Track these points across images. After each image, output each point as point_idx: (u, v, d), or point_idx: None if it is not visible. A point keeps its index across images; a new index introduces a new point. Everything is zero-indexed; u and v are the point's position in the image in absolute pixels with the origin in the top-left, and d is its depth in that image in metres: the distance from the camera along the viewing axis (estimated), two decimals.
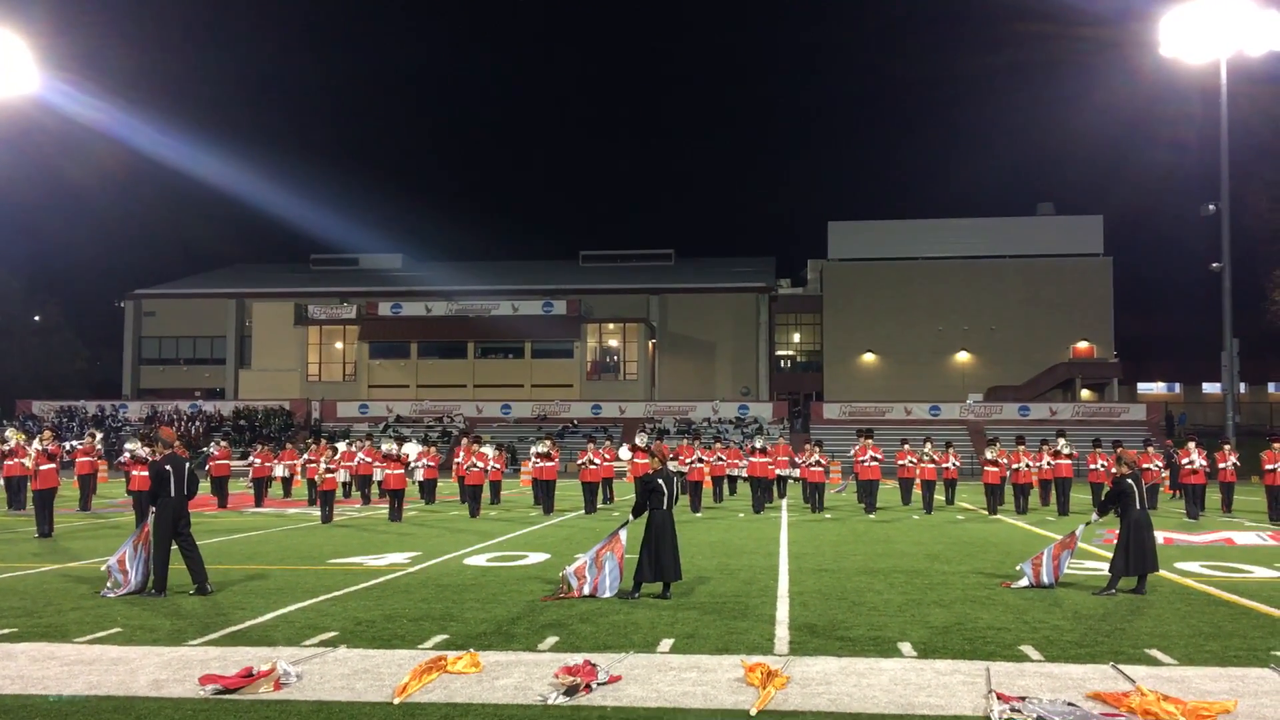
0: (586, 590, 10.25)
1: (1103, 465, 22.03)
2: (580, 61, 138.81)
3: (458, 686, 6.78)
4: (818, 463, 22.61)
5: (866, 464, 22.25)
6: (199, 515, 17.34)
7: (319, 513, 20.12)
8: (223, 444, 25.47)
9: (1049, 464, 22.82)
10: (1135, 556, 10.56)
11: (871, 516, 20.81)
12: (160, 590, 10.42)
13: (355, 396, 58.99)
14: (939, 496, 23.97)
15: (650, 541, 10.27)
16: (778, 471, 24.29)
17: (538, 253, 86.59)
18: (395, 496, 20.57)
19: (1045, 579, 10.98)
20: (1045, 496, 24.03)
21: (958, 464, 24.10)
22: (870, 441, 22.78)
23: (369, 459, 25.23)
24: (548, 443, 22.88)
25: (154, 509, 10.74)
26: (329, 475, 20.10)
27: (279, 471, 27.24)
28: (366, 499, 25.62)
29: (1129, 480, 10.89)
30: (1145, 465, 21.77)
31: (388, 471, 20.92)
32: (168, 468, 10.79)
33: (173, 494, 10.73)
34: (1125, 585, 10.63)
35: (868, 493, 22.15)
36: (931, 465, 22.54)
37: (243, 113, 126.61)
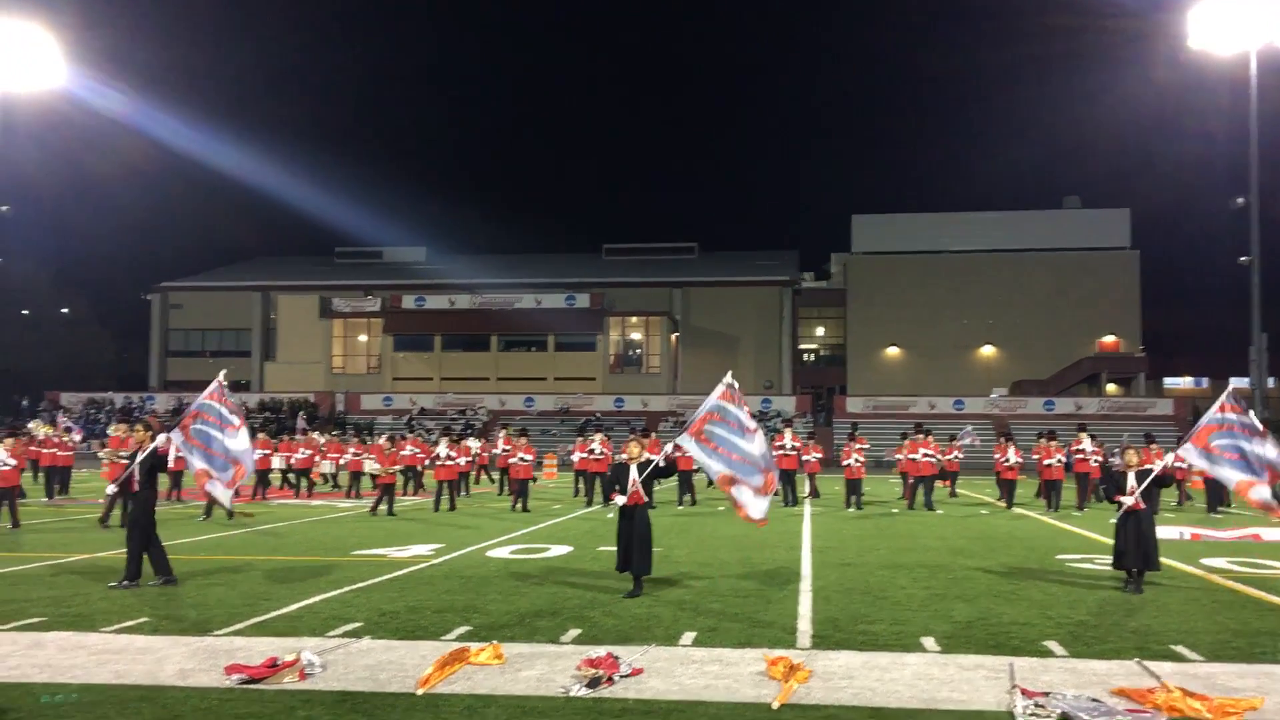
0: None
1: (1094, 458, 21.85)
2: (603, 55, 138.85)
3: (481, 678, 6.81)
4: (858, 460, 22.21)
5: (853, 464, 21.96)
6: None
7: (346, 504, 20.13)
8: (260, 436, 25.28)
9: (1059, 461, 22.18)
10: (1137, 549, 10.45)
11: (851, 511, 20.48)
12: (134, 579, 10.51)
13: (379, 389, 59.27)
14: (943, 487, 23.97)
15: (624, 535, 10.30)
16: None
17: (561, 246, 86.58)
18: (447, 487, 20.73)
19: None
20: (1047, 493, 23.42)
21: (960, 456, 24.47)
22: (857, 443, 22.42)
23: (416, 450, 25.24)
24: (599, 437, 22.61)
25: (140, 498, 10.77)
26: (390, 472, 20.00)
27: (276, 464, 26.89)
28: (418, 489, 25.56)
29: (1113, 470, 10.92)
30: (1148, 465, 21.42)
31: (438, 464, 20.96)
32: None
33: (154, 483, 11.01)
34: (1118, 576, 10.69)
35: (852, 490, 21.89)
36: (932, 461, 21.97)
37: (268, 107, 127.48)
